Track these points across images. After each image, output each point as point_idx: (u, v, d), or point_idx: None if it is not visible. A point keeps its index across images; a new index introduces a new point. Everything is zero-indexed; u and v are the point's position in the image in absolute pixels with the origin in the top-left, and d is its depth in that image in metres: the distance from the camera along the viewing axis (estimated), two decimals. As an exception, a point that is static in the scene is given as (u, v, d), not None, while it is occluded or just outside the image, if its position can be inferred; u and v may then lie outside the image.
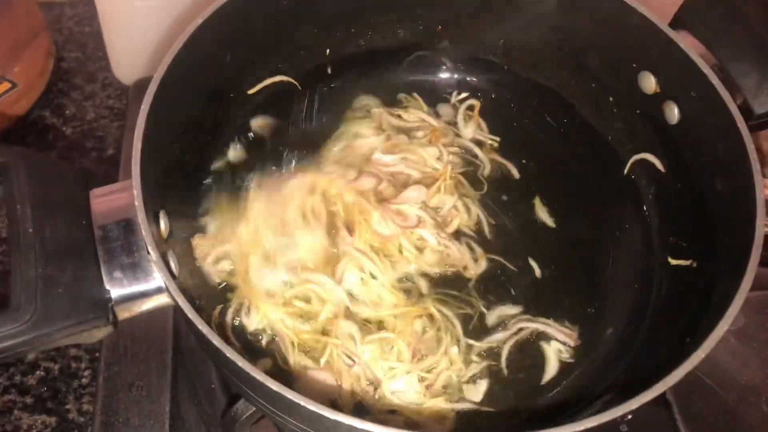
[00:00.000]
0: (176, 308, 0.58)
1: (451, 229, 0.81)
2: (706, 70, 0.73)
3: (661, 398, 0.89)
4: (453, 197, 0.83)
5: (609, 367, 0.75)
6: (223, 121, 0.84)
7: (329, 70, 0.93)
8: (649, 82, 0.80)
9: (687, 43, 0.76)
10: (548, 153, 0.91)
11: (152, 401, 0.85)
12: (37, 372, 0.90)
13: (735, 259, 0.65)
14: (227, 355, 0.53)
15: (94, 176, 1.02)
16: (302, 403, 0.51)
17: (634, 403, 0.53)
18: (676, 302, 0.75)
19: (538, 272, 0.80)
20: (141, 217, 0.59)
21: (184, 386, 0.87)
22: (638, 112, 0.85)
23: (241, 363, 0.53)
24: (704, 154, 0.75)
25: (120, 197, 0.63)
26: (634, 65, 0.81)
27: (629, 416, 0.58)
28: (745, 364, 0.92)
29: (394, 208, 0.79)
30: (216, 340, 0.53)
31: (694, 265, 0.76)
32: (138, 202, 0.59)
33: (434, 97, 0.94)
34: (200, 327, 0.54)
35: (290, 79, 0.90)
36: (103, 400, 0.85)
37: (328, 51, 0.91)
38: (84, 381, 0.90)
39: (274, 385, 0.52)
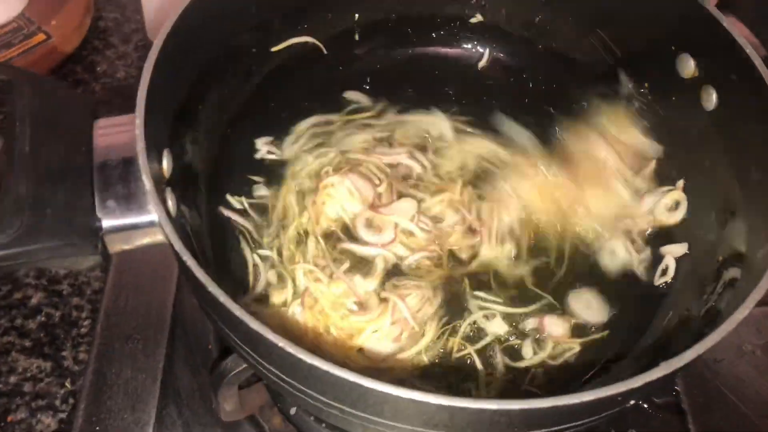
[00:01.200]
0: (169, 247, 0.56)
1: (443, 247, 0.75)
2: (750, 52, 0.68)
3: (675, 406, 0.84)
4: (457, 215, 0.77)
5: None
6: (242, 75, 0.82)
7: (356, 36, 0.91)
8: (687, 66, 0.76)
9: (734, 27, 0.71)
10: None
11: (147, 355, 0.84)
12: (39, 317, 0.89)
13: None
14: (209, 290, 0.51)
15: (108, 104, 1.03)
16: (280, 344, 0.48)
17: (635, 382, 0.48)
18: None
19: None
20: (140, 146, 0.57)
21: (180, 344, 0.86)
22: (673, 98, 0.80)
23: (223, 298, 0.50)
24: (743, 142, 0.70)
25: (124, 130, 0.62)
26: (674, 47, 0.77)
27: (632, 402, 0.54)
28: (769, 378, 0.86)
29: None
30: (198, 271, 0.51)
31: (720, 259, 0.71)
32: (139, 131, 0.58)
33: (459, 69, 0.90)
34: (185, 258, 0.51)
35: (315, 41, 0.88)
36: (99, 349, 0.84)
37: (357, 16, 0.89)
38: (83, 330, 0.89)
39: (253, 324, 0.49)
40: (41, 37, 1.07)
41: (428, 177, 0.81)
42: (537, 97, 0.89)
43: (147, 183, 0.56)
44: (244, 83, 0.83)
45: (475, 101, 0.88)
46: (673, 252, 0.76)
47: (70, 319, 0.90)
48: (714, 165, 0.74)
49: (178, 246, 0.53)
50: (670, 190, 0.79)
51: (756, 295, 0.54)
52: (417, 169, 0.81)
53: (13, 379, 0.85)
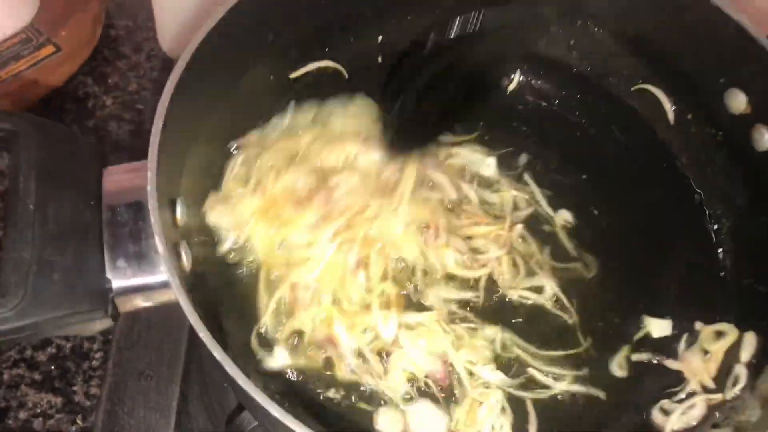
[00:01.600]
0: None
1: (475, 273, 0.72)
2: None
3: None
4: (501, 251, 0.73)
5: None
6: (261, 107, 0.78)
7: (380, 59, 0.86)
8: (738, 101, 0.71)
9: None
10: (612, 169, 0.81)
11: (160, 393, 0.81)
12: (49, 348, 0.86)
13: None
14: (228, 371, 0.47)
15: (119, 150, 0.98)
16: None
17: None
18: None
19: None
20: (152, 203, 0.53)
21: (194, 381, 0.82)
22: (720, 134, 0.75)
23: (243, 382, 0.46)
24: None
25: (135, 177, 0.58)
26: (722, 80, 0.72)
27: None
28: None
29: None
30: (218, 352, 0.47)
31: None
32: (151, 186, 0.54)
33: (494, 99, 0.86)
34: (202, 335, 0.48)
35: (337, 65, 0.83)
36: (111, 386, 0.81)
37: (380, 38, 0.84)
38: (95, 363, 0.86)
39: (273, 410, 0.45)
40: (50, 49, 1.03)
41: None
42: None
43: (160, 246, 0.52)
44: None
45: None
46: None
47: (81, 351, 0.87)
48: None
49: (194, 319, 0.49)
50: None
51: None
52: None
53: (23, 414, 0.82)
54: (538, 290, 0.72)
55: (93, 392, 0.84)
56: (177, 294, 0.50)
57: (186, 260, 0.58)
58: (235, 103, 0.74)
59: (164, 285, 0.54)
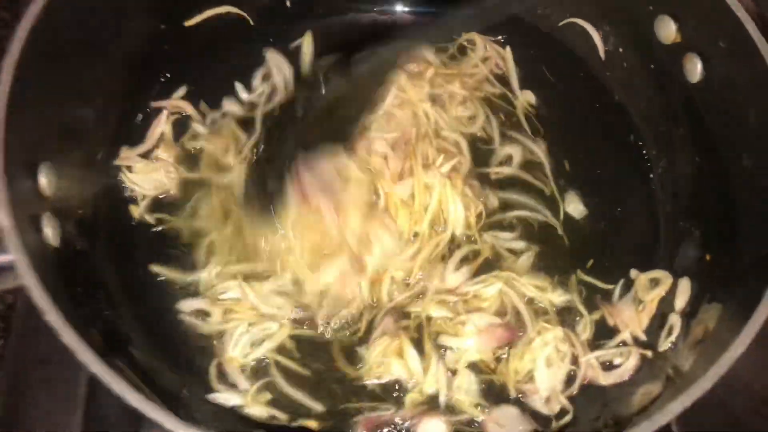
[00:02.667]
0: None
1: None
2: (742, 14, 0.57)
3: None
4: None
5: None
6: (159, 59, 0.70)
7: (288, 4, 0.78)
8: (667, 29, 0.65)
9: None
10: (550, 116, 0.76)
11: (66, 381, 0.74)
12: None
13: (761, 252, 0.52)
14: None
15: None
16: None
17: None
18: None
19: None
20: (-3, 171, 0.45)
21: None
22: (652, 66, 0.70)
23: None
24: (730, 121, 0.60)
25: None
26: (651, 7, 0.66)
27: None
28: (763, 371, 0.78)
29: None
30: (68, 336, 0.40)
31: (708, 258, 0.62)
32: (-4, 152, 0.46)
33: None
34: (50, 319, 0.41)
35: (239, 11, 0.75)
36: (9, 376, 0.74)
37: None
38: (-7, 350, 0.78)
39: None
40: None
41: None
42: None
43: (4, 219, 0.45)
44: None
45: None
46: None
47: (-21, 337, 0.79)
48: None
49: (43, 303, 0.42)
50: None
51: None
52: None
53: None
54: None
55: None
56: (25, 275, 0.43)
57: (52, 235, 0.51)
58: (124, 56, 0.66)
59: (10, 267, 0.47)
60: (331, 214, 0.62)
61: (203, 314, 0.65)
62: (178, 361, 0.63)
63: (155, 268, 0.66)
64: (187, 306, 0.65)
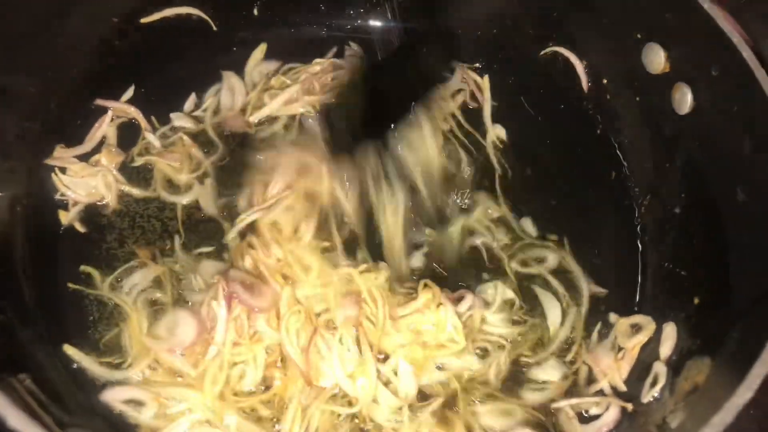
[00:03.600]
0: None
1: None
2: (736, 39, 0.53)
3: None
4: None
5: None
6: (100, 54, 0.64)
7: (255, 12, 0.73)
8: (657, 58, 0.61)
9: (714, 11, 0.56)
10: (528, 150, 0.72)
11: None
12: None
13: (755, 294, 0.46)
14: None
15: None
16: None
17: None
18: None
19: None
20: None
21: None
22: (637, 98, 0.66)
23: None
24: (723, 153, 0.56)
25: None
26: (639, 35, 0.62)
27: None
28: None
29: None
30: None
31: (696, 301, 0.56)
32: None
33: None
34: None
35: (200, 13, 0.70)
36: None
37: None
38: None
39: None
40: None
41: None
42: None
43: None
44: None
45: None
46: None
47: None
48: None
49: None
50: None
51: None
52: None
53: None
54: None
55: None
56: None
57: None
58: (68, 42, 0.60)
59: None
60: None
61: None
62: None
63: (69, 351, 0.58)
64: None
